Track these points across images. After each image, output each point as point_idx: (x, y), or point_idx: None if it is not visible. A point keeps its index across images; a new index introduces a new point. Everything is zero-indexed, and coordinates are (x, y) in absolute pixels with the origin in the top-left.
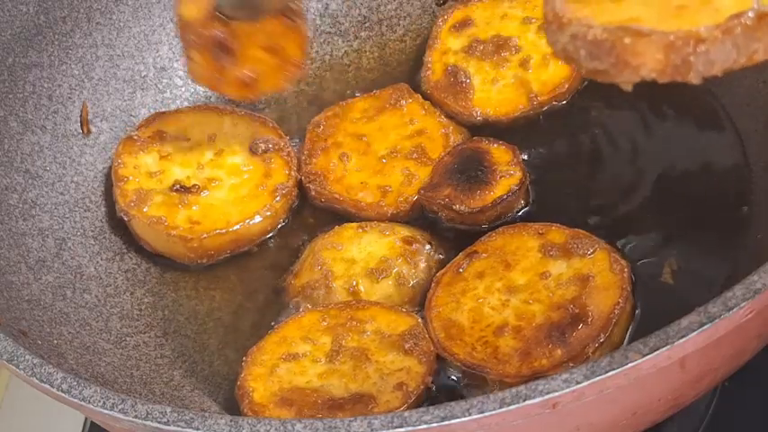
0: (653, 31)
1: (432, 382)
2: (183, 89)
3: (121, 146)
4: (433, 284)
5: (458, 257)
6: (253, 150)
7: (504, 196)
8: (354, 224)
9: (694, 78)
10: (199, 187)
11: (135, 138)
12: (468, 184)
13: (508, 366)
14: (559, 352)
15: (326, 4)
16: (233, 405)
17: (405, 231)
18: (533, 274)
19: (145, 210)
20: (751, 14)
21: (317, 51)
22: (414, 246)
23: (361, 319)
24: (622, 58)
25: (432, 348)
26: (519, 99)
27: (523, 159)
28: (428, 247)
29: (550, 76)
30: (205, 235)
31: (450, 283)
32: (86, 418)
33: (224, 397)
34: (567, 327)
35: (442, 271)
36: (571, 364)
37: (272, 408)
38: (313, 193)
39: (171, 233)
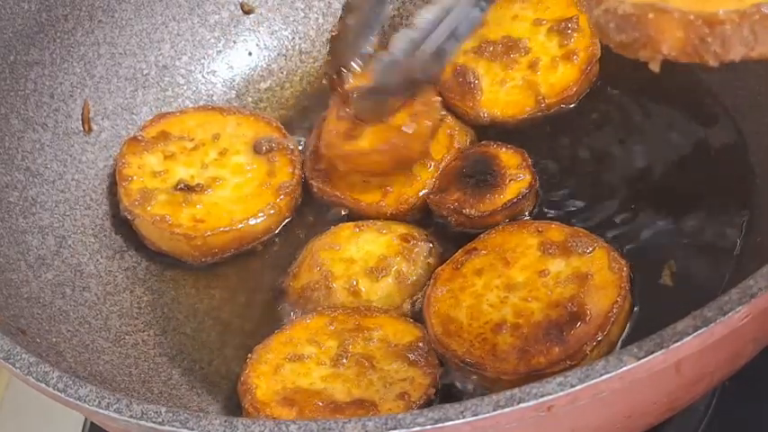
0: (675, 10)
1: (435, 394)
2: (185, 87)
3: (125, 146)
4: (431, 280)
5: (457, 254)
6: (256, 150)
7: (514, 200)
8: (351, 224)
9: (711, 60)
10: (203, 186)
11: (139, 138)
12: (477, 188)
13: (506, 364)
14: (557, 350)
15: (329, 2)
16: (231, 404)
17: (401, 229)
18: (532, 272)
19: (149, 208)
20: None
21: (319, 50)
22: (411, 243)
23: (368, 327)
24: (645, 32)
25: (437, 362)
26: (526, 101)
27: (531, 162)
28: (426, 243)
29: (558, 78)
30: (209, 233)
31: (449, 279)
32: (86, 418)
33: (222, 396)
34: (566, 325)
35: (441, 267)
36: (569, 363)
37: (273, 406)
38: (315, 189)
39: (174, 231)
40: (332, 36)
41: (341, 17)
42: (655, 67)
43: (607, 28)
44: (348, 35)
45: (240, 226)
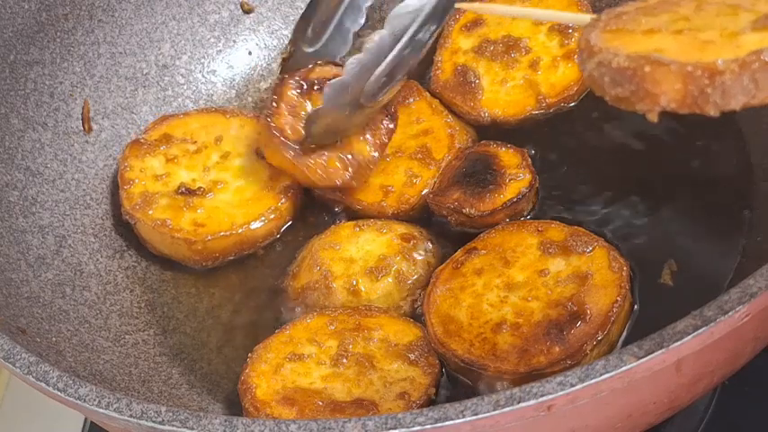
0: (672, 62)
1: (435, 394)
2: (185, 87)
3: (128, 149)
4: (431, 280)
5: (456, 254)
6: (259, 153)
7: (514, 199)
8: (351, 223)
9: (712, 110)
10: (204, 190)
11: (142, 141)
12: (477, 187)
13: (506, 363)
14: (557, 349)
15: None
16: (231, 403)
17: (401, 228)
18: (532, 272)
19: (150, 212)
20: None
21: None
22: (411, 242)
23: (369, 327)
24: (642, 85)
25: (437, 361)
26: (527, 100)
27: (531, 161)
28: (426, 242)
29: (559, 78)
30: (209, 237)
31: (449, 279)
32: (86, 418)
33: (222, 395)
34: (566, 324)
35: (441, 267)
36: (569, 362)
37: (273, 405)
38: (317, 190)
39: (175, 236)
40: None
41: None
42: (653, 117)
43: (602, 81)
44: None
45: (241, 230)
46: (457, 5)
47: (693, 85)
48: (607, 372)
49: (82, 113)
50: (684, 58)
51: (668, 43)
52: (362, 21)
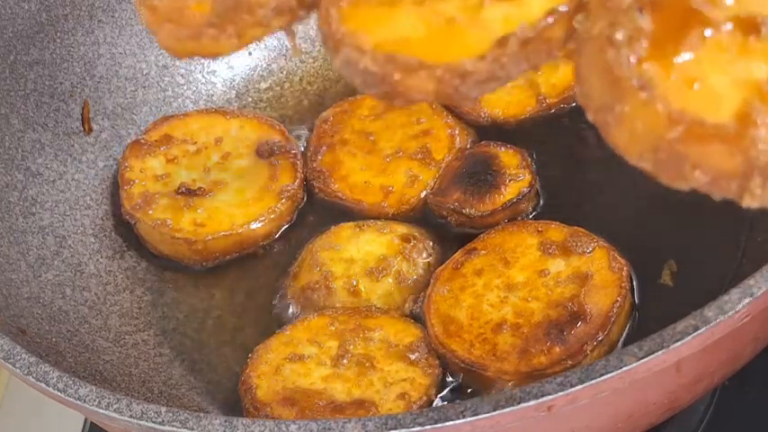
0: (421, 66)
1: (435, 395)
2: (185, 87)
3: (128, 149)
4: (431, 281)
5: (456, 254)
6: (259, 153)
7: (514, 199)
8: (351, 223)
9: (467, 104)
10: (204, 190)
11: (142, 141)
12: (477, 187)
13: (506, 364)
14: (558, 350)
15: None
16: (231, 404)
17: (402, 229)
18: (532, 272)
19: (150, 212)
20: (514, 41)
21: (319, 50)
22: (411, 243)
23: (369, 327)
24: (395, 88)
25: (437, 362)
26: (528, 101)
27: (531, 161)
28: (426, 243)
29: (560, 78)
30: (209, 237)
31: (449, 279)
32: (86, 418)
33: (222, 396)
34: (566, 325)
35: (441, 268)
36: (569, 362)
37: (274, 406)
38: (316, 190)
39: (175, 236)
40: None
41: None
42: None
43: (353, 81)
44: None
45: (241, 230)
46: None
47: (446, 84)
48: (607, 372)
49: (82, 114)
50: (432, 54)
51: (412, 25)
52: None
